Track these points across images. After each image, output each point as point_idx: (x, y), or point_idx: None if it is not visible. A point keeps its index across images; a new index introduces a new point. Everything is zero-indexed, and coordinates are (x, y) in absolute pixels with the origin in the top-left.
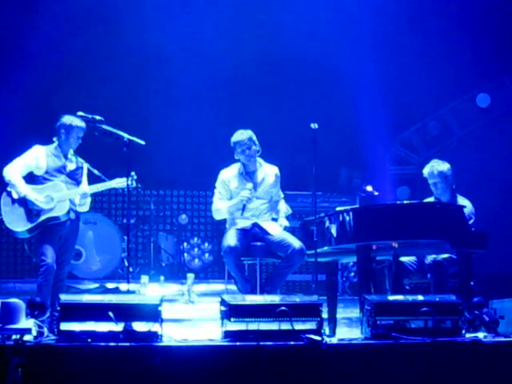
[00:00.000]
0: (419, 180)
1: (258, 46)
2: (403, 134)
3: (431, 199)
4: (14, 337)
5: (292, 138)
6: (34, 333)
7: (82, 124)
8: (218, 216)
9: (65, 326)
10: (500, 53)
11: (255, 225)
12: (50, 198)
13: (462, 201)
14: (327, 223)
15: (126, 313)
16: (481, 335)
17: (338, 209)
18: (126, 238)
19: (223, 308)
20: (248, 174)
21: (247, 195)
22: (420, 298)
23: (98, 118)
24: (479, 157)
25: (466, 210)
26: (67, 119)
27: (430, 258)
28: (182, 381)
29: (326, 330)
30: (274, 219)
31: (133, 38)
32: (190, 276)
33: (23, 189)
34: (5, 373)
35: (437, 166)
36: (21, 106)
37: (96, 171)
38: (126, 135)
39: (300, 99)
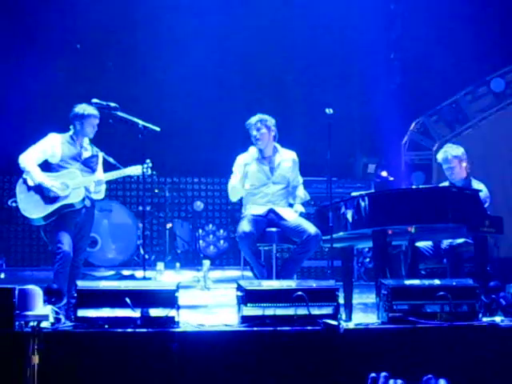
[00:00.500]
0: (434, 165)
1: (273, 31)
2: (418, 119)
3: (446, 184)
4: (31, 323)
5: (307, 123)
6: (52, 319)
7: (95, 112)
8: (233, 194)
9: (82, 313)
10: None
11: (271, 211)
12: (66, 186)
13: (477, 185)
14: (343, 209)
15: (142, 299)
16: (498, 319)
17: (353, 194)
18: (141, 225)
19: (239, 293)
20: (264, 159)
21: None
22: (436, 282)
23: (112, 104)
24: (494, 141)
25: (481, 194)
26: (80, 108)
27: (445, 243)
28: (198, 366)
29: (343, 315)
30: (291, 205)
31: (147, 26)
32: (206, 262)
33: (39, 176)
34: (22, 359)
35: (451, 151)
36: (36, 95)
37: (111, 159)
38: (140, 122)
39: (316, 85)
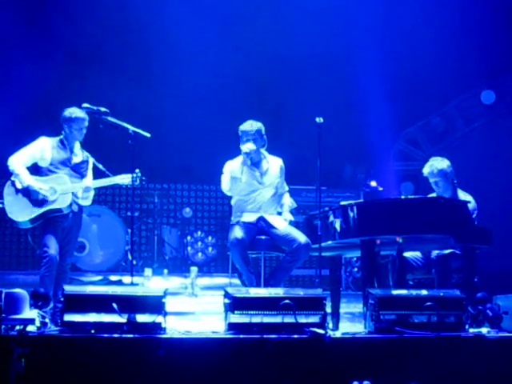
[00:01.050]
0: (423, 176)
1: (263, 40)
2: (408, 129)
3: (435, 195)
4: (17, 327)
5: (297, 132)
6: (38, 323)
7: (83, 115)
8: (233, 185)
9: (68, 317)
10: (505, 49)
11: (261, 218)
12: (54, 190)
13: (463, 196)
14: (331, 217)
15: (129, 304)
16: (484, 330)
17: (342, 203)
18: (129, 230)
19: (227, 300)
20: (254, 165)
21: (252, 147)
22: (424, 292)
23: (103, 109)
24: (483, 153)
25: (469, 206)
26: (68, 112)
27: (434, 253)
28: (185, 373)
29: (330, 324)
30: (279, 213)
31: (140, 32)
32: (194, 269)
33: (26, 179)
34: (8, 363)
35: (436, 165)
36: (28, 98)
37: (101, 166)
38: (131, 127)
39: (305, 94)
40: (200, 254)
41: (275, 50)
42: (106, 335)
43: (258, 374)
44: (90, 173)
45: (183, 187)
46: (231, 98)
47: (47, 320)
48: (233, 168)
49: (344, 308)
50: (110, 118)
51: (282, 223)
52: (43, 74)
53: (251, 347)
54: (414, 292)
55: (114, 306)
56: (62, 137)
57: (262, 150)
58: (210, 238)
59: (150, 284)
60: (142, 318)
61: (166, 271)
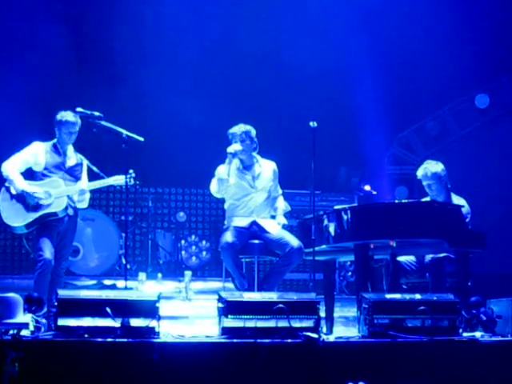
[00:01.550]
0: (417, 180)
1: (258, 43)
2: (402, 133)
3: (428, 199)
4: (11, 331)
5: (291, 136)
6: (32, 328)
7: (74, 119)
8: (220, 186)
9: (62, 322)
10: (499, 53)
11: (254, 223)
12: (48, 194)
13: (457, 200)
14: (325, 221)
15: (123, 309)
16: (478, 334)
17: (336, 207)
18: (123, 235)
19: (221, 305)
20: (245, 168)
21: (237, 148)
22: (418, 296)
23: (96, 113)
24: (478, 157)
25: (462, 210)
26: (60, 115)
27: (428, 257)
28: (179, 377)
29: (324, 328)
30: (272, 216)
31: (133, 37)
32: (188, 273)
33: (20, 184)
34: (2, 367)
35: (430, 168)
36: (22, 102)
37: (95, 168)
38: (124, 131)
39: (299, 97)
40: (194, 258)
41: (270, 54)
42: (99, 339)
43: (252, 378)
44: (84, 175)
45: (177, 191)
46: (226, 102)
47: (41, 324)
48: (220, 170)
49: (338, 312)
50: (103, 123)
51: (275, 227)
52: (38, 79)
53: (245, 351)
54: (407, 296)
55: (108, 310)
56: (55, 141)
57: (255, 154)
58: (203, 242)
59: (143, 288)
60: (135, 322)
61: (159, 275)
